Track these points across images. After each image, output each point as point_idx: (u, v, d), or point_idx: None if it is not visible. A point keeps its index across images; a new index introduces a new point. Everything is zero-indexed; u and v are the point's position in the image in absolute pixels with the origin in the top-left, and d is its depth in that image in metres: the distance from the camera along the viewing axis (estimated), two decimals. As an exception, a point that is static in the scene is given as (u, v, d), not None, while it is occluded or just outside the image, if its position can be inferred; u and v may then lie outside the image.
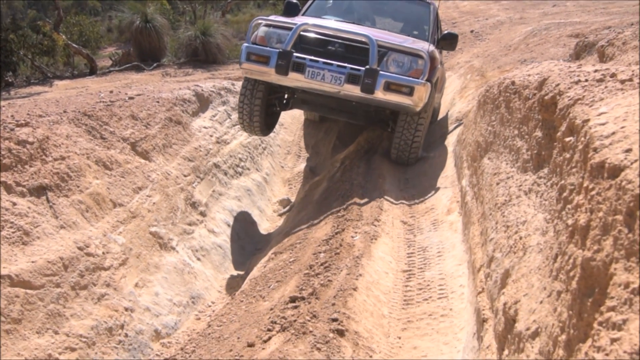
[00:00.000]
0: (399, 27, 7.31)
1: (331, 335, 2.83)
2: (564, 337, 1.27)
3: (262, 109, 6.28)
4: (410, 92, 5.36)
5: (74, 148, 4.49)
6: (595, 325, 1.11)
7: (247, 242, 6.07)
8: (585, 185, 1.35)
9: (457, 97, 8.40)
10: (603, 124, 1.41)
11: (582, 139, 1.51)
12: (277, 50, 5.47)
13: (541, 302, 1.53)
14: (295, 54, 5.46)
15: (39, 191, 3.88)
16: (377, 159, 6.25)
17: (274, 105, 6.66)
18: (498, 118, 3.55)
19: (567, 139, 1.84)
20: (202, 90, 7.40)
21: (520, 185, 2.55)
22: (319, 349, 2.72)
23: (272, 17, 5.96)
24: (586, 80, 2.26)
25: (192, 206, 5.64)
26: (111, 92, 6.94)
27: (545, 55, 7.97)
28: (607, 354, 1.00)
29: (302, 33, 5.57)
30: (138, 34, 14.20)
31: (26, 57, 12.75)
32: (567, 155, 1.80)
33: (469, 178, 4.30)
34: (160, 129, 5.90)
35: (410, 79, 5.39)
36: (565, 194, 1.61)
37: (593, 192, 1.27)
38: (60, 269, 3.57)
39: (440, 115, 8.42)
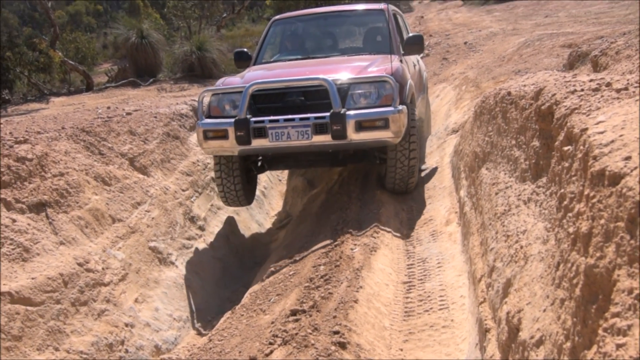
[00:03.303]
0: (359, 43, 6.80)
1: (333, 348, 2.83)
2: (568, 344, 1.28)
3: (243, 179, 5.70)
4: (385, 125, 4.79)
5: (73, 164, 4.49)
6: (600, 331, 1.12)
7: (246, 256, 6.07)
8: (586, 193, 1.37)
9: (453, 109, 8.44)
10: (602, 133, 1.43)
11: (581, 147, 1.53)
12: (232, 120, 4.89)
13: (544, 310, 1.54)
14: (252, 120, 4.87)
15: (39, 207, 3.88)
16: (374, 170, 6.26)
17: (251, 170, 5.95)
18: (495, 128, 3.58)
19: (566, 148, 1.86)
20: (199, 104, 7.41)
21: (520, 195, 2.57)
22: (321, 362, 2.72)
23: (219, 83, 5.51)
24: (582, 90, 2.29)
25: (191, 221, 5.65)
26: (108, 108, 6.97)
27: (539, 66, 8.02)
28: (613, 360, 1.01)
29: (255, 93, 4.95)
30: (134, 49, 14.27)
31: (23, 75, 12.76)
32: (566, 164, 1.82)
33: (467, 189, 4.32)
34: (158, 144, 5.92)
35: (382, 109, 4.83)
36: (565, 203, 1.63)
37: (594, 200, 1.29)
38: (60, 285, 3.57)
39: (436, 127, 8.45)
